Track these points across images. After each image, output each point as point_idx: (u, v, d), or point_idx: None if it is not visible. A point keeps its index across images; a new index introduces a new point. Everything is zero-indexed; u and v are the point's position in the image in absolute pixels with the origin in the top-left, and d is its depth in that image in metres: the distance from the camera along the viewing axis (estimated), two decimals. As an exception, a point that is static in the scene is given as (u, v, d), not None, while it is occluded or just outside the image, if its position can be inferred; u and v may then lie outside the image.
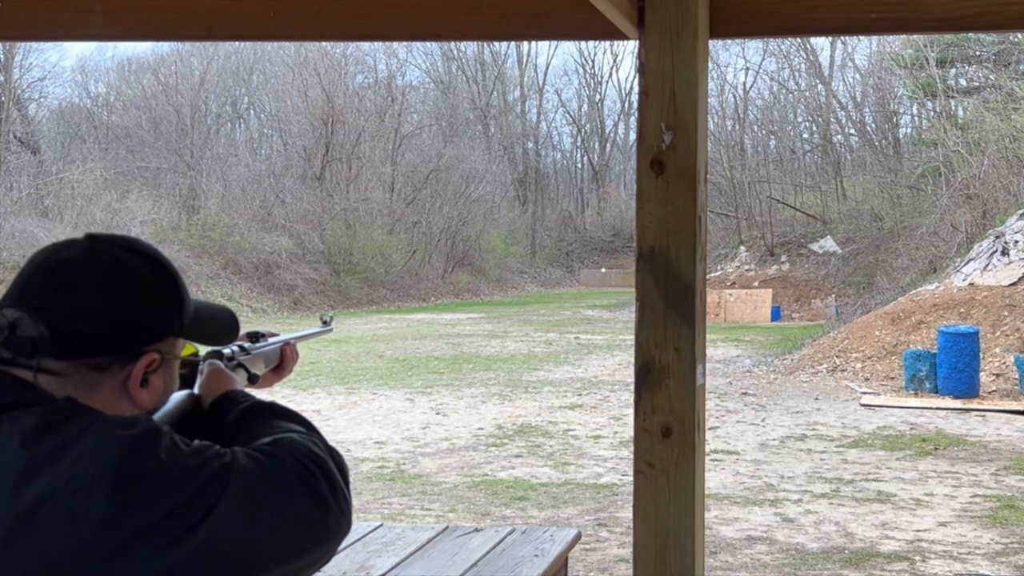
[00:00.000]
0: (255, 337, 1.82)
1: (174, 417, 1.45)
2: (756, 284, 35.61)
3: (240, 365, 1.72)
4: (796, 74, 45.36)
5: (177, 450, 1.23)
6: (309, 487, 1.28)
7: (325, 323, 2.21)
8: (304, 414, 1.47)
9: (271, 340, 1.85)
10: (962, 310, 17.57)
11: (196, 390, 1.56)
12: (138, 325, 1.33)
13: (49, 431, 1.21)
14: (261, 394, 1.65)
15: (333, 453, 1.36)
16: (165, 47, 42.44)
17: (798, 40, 40.33)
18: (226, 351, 1.69)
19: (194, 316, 1.40)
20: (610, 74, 69.15)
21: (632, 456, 2.31)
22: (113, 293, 1.31)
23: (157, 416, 1.39)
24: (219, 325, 1.48)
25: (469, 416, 12.85)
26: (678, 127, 2.22)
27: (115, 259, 1.34)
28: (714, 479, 9.07)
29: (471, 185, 46.56)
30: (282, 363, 1.89)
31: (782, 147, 46.43)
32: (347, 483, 1.35)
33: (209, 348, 1.64)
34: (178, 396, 1.49)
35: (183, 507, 1.19)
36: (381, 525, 4.53)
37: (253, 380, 1.73)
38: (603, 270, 53.27)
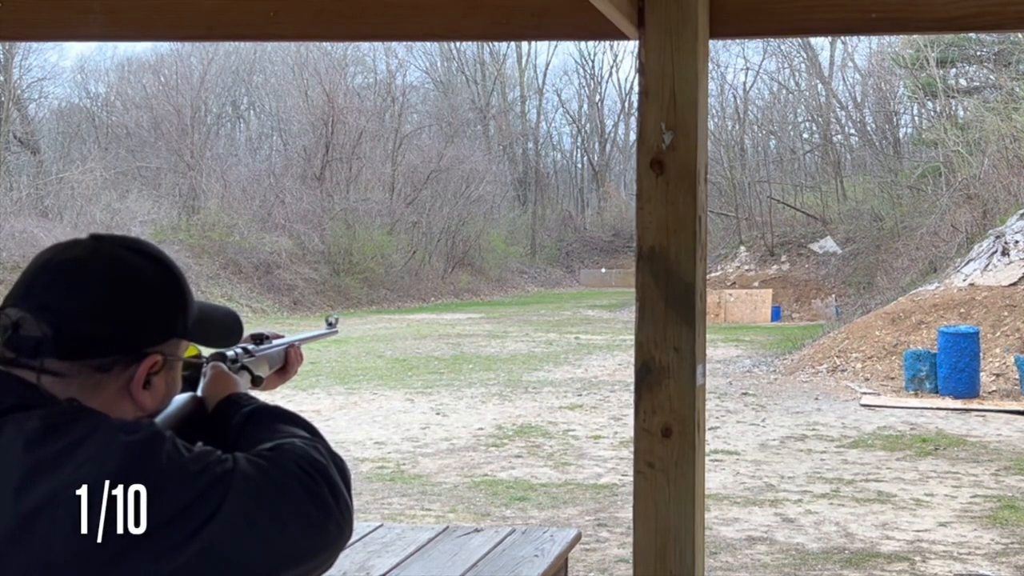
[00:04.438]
0: (259, 339, 1.80)
1: (177, 420, 1.44)
2: (756, 284, 35.60)
3: (244, 367, 1.71)
4: (796, 74, 45.41)
5: (179, 455, 1.22)
6: (311, 493, 1.28)
7: (330, 324, 2.19)
8: (305, 416, 1.46)
9: (275, 342, 1.84)
10: (962, 310, 17.57)
11: (199, 392, 1.55)
12: (141, 326, 1.32)
13: (53, 434, 1.21)
14: (263, 396, 1.64)
15: (336, 459, 1.35)
16: (165, 47, 42.43)
17: (798, 40, 40.34)
18: (230, 353, 1.68)
19: (198, 317, 1.40)
20: (610, 74, 69.25)
21: (632, 456, 2.31)
22: (116, 293, 1.31)
23: (160, 419, 1.38)
24: (223, 327, 1.47)
25: (469, 416, 12.85)
26: (678, 127, 2.22)
27: (119, 259, 1.33)
28: (714, 479, 9.07)
29: (471, 185, 46.56)
30: (286, 365, 1.87)
31: (782, 147, 46.43)
32: (349, 489, 1.34)
33: (212, 350, 1.63)
34: (181, 398, 1.48)
35: (185, 513, 1.18)
36: (381, 525, 4.53)
37: (257, 382, 1.72)
38: (603, 270, 53.28)
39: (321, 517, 1.28)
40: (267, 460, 1.28)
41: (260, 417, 1.45)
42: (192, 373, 1.56)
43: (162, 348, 1.34)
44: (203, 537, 1.18)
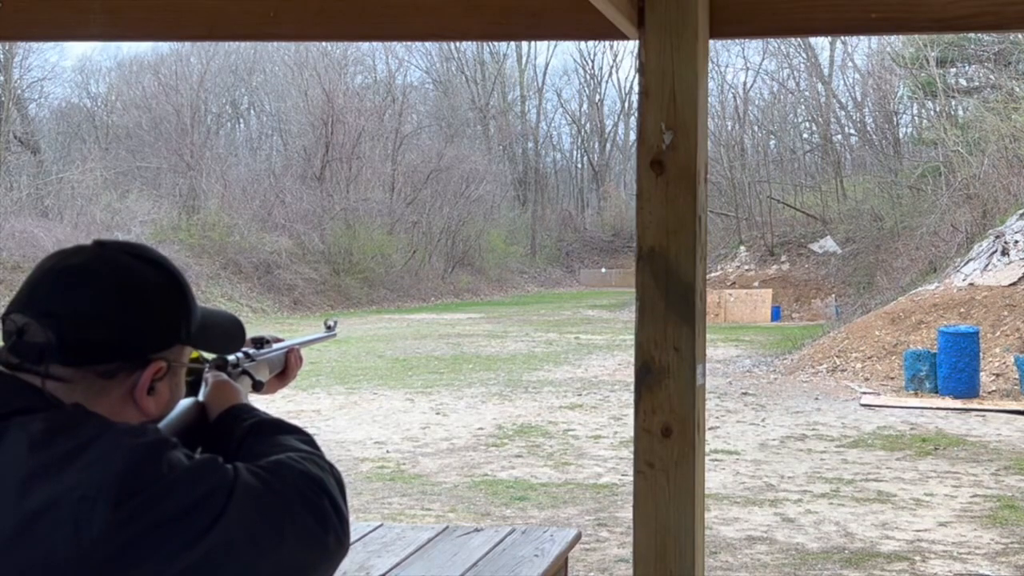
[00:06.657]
0: (259, 343, 1.80)
1: (180, 427, 1.44)
2: (756, 284, 35.60)
3: (245, 372, 1.71)
4: (796, 74, 45.39)
5: (182, 463, 1.23)
6: (311, 506, 1.28)
7: (329, 328, 2.19)
8: (306, 416, 1.47)
9: (275, 346, 1.84)
10: (962, 310, 17.57)
11: (201, 398, 1.55)
12: (145, 332, 1.32)
13: (58, 437, 1.21)
14: (263, 400, 1.64)
15: (333, 471, 1.36)
16: (165, 47, 42.45)
17: (798, 40, 40.33)
18: (231, 358, 1.68)
19: (201, 323, 1.40)
20: (610, 74, 69.26)
21: (632, 456, 2.31)
22: (120, 300, 1.31)
23: (163, 424, 1.38)
24: (226, 333, 1.47)
25: (469, 416, 12.85)
26: (678, 127, 2.22)
27: (123, 266, 1.33)
28: (714, 479, 9.07)
29: (471, 185, 46.58)
30: (286, 369, 1.87)
31: (782, 147, 46.43)
32: (345, 500, 1.35)
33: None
34: (184, 404, 1.48)
35: (186, 519, 1.18)
36: (381, 525, 4.53)
37: (257, 387, 1.72)
38: (603, 270, 53.29)
39: (321, 530, 1.28)
40: (269, 472, 1.28)
41: (261, 430, 1.45)
42: (194, 377, 1.56)
43: (166, 354, 1.34)
44: (203, 545, 1.18)
